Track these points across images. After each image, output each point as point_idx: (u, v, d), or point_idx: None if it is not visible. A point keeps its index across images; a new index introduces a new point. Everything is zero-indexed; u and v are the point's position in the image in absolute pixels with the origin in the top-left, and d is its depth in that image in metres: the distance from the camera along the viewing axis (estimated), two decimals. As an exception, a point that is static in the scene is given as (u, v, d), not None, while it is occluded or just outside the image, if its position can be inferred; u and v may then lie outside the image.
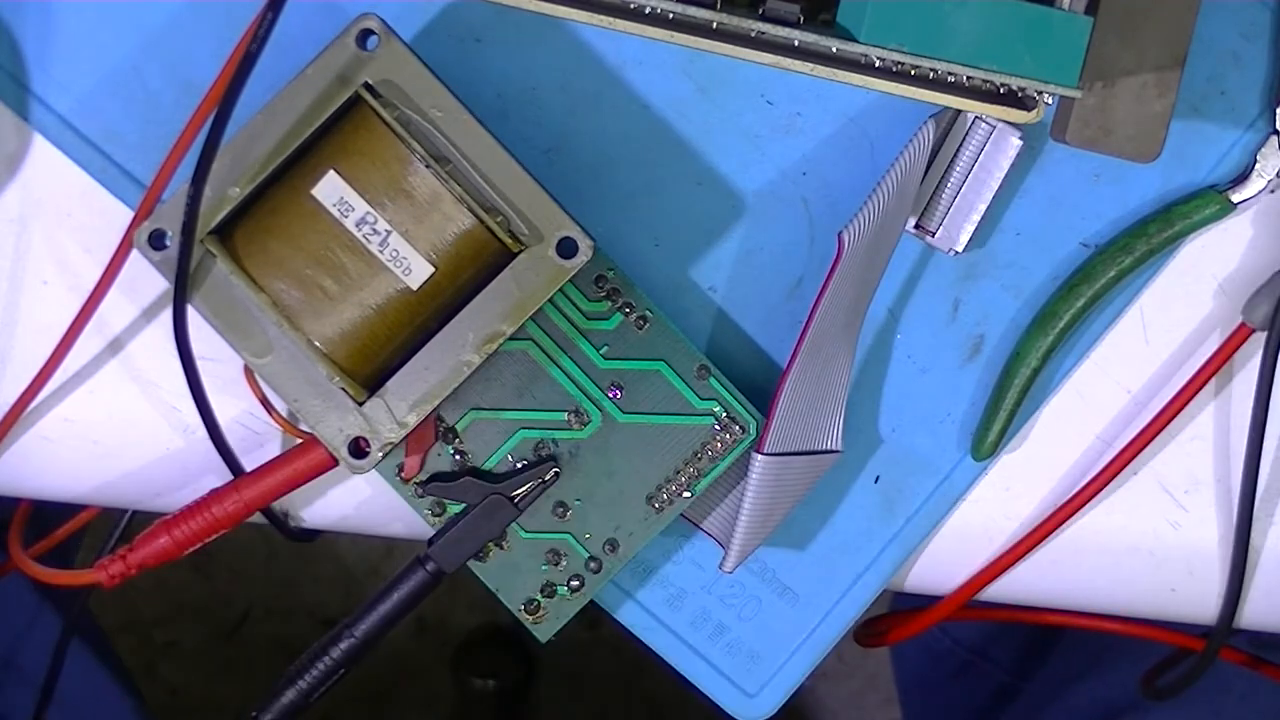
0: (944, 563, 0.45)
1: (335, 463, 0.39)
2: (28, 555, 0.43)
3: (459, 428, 0.41)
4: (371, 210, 0.37)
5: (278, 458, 0.40)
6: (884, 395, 0.43)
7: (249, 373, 0.39)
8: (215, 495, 0.40)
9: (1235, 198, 0.42)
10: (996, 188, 0.40)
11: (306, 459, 0.39)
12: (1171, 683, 0.47)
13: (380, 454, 0.38)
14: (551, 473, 0.40)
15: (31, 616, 0.56)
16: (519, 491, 0.40)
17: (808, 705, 0.47)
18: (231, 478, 0.41)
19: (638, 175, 0.42)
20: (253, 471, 0.40)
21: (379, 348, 0.37)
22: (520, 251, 0.37)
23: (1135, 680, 0.50)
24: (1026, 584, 0.45)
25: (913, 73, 0.35)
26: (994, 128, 0.40)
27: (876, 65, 0.35)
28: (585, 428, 0.41)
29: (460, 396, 0.40)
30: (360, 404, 0.38)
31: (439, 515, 0.41)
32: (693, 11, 0.34)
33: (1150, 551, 0.45)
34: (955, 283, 0.42)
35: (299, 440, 0.41)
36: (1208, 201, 0.42)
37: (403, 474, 0.41)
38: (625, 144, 0.41)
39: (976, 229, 0.41)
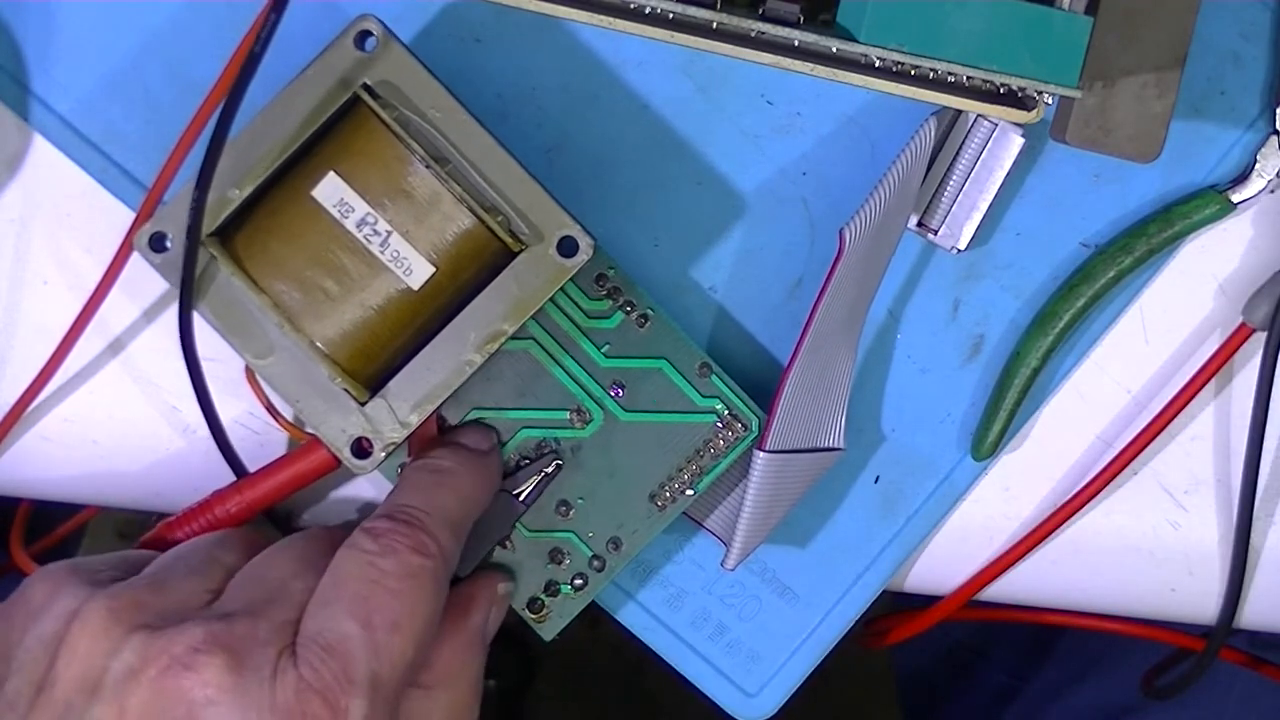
0: (944, 563, 0.45)
1: (338, 463, 0.39)
2: (28, 555, 0.43)
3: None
4: (372, 211, 0.37)
5: (280, 459, 0.40)
6: (884, 395, 0.43)
7: (250, 374, 0.39)
8: (217, 497, 0.40)
9: (1235, 198, 0.42)
10: (999, 185, 0.40)
11: (309, 460, 0.39)
12: (1171, 683, 0.47)
13: (383, 454, 0.38)
14: (553, 464, 0.40)
15: None
16: (522, 488, 0.40)
17: (808, 705, 0.47)
18: (233, 479, 0.41)
19: (638, 175, 0.42)
20: (255, 473, 0.40)
21: (380, 348, 0.38)
22: (521, 251, 0.37)
23: (1135, 680, 0.50)
24: (1026, 584, 0.45)
25: (913, 73, 0.35)
26: (996, 125, 0.40)
27: (876, 65, 0.35)
28: (587, 426, 0.41)
29: (462, 396, 0.40)
30: (362, 404, 0.38)
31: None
32: (693, 11, 0.34)
33: (1150, 551, 0.45)
34: (955, 283, 0.43)
35: (302, 441, 0.41)
36: (1208, 201, 0.42)
37: None
38: (625, 144, 0.41)
39: (979, 227, 0.41)
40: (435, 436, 0.40)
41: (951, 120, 0.40)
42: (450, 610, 0.38)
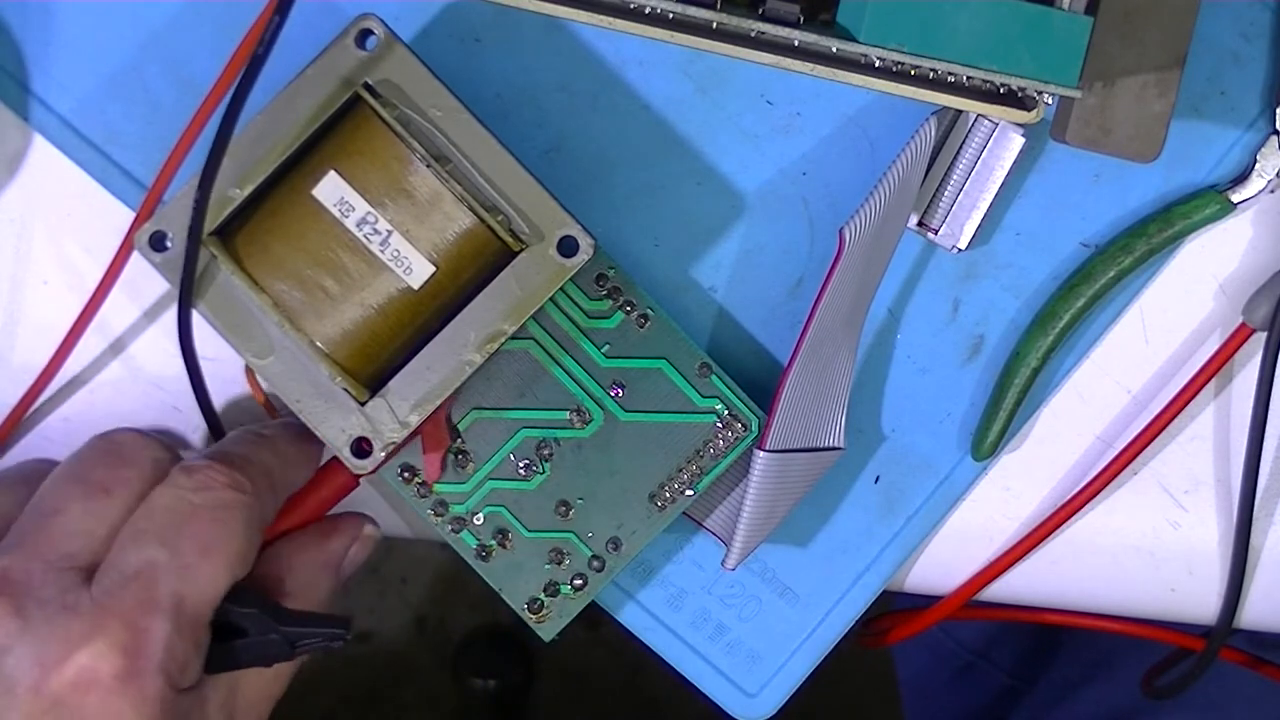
0: (944, 563, 0.45)
1: (357, 483, 0.39)
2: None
3: (461, 427, 0.41)
4: (372, 210, 0.37)
5: (298, 491, 0.40)
6: (884, 395, 0.43)
7: (250, 374, 0.39)
8: None
9: (1235, 198, 0.42)
10: (1000, 184, 0.41)
11: (329, 485, 0.39)
12: (1172, 682, 0.47)
13: (383, 454, 0.38)
14: (339, 640, 0.37)
15: None
16: (303, 641, 0.37)
17: (808, 705, 0.47)
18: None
19: (638, 175, 0.42)
20: (281, 513, 0.39)
21: (380, 348, 0.38)
22: (521, 250, 0.37)
23: (1136, 680, 0.50)
24: (1026, 584, 0.45)
25: (913, 73, 0.35)
26: (996, 125, 0.40)
27: (876, 65, 0.35)
28: (587, 426, 0.41)
29: (462, 396, 0.40)
30: (362, 404, 0.38)
31: (441, 515, 0.41)
32: (693, 11, 0.34)
33: (1150, 551, 0.45)
34: (955, 282, 0.43)
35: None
36: (1208, 201, 0.42)
37: (425, 478, 0.40)
38: (625, 144, 0.41)
39: (979, 227, 0.41)
40: (447, 435, 0.40)
41: (952, 120, 0.40)
42: (309, 533, 0.39)
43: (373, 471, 0.38)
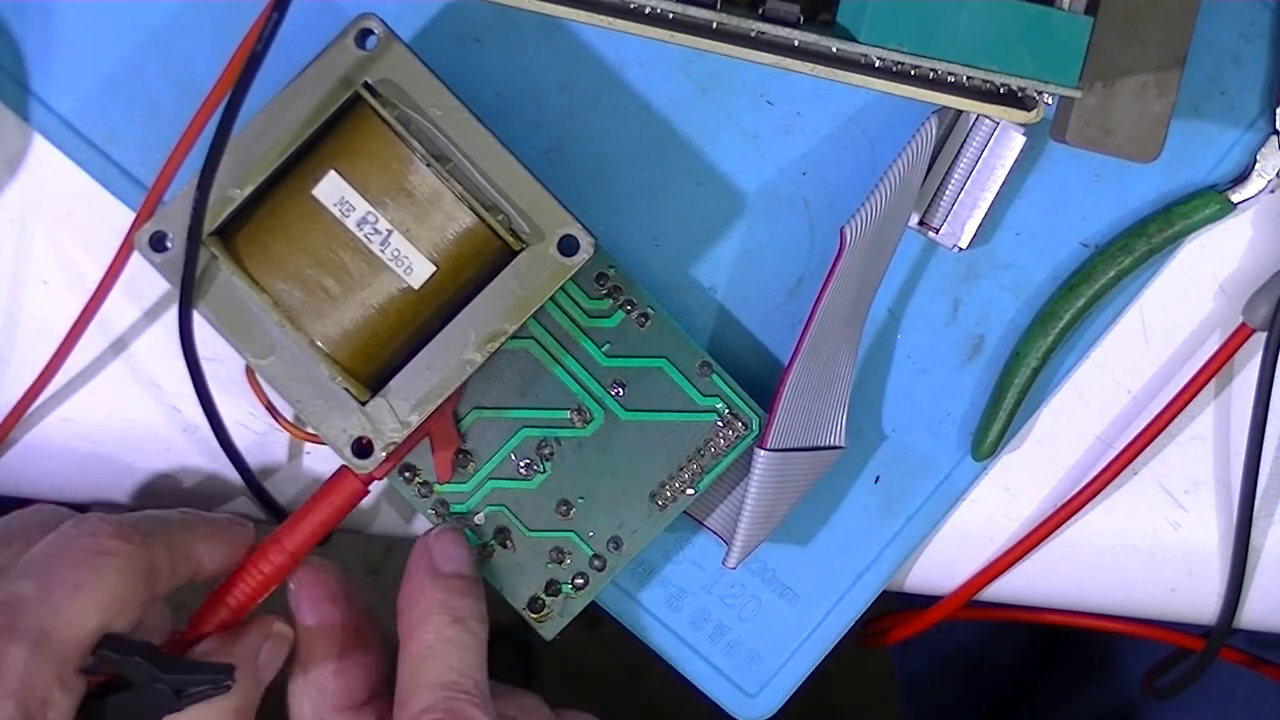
0: (944, 563, 0.45)
1: (367, 490, 0.39)
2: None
3: (462, 427, 0.41)
4: (373, 210, 0.37)
5: (311, 499, 0.39)
6: (884, 395, 0.43)
7: (250, 374, 0.39)
8: (260, 553, 0.39)
9: (1235, 198, 0.42)
10: (1000, 183, 0.41)
11: (340, 492, 0.39)
12: (1172, 682, 0.47)
13: (384, 453, 0.38)
14: (225, 684, 0.36)
15: None
16: (188, 690, 0.36)
17: (808, 705, 0.47)
18: (234, 476, 0.41)
19: (638, 175, 0.42)
20: (289, 520, 0.39)
21: (381, 347, 0.38)
22: (522, 250, 0.37)
23: (1136, 682, 0.50)
24: (1026, 584, 0.45)
25: (913, 73, 0.35)
26: (997, 124, 0.40)
27: (876, 65, 0.35)
28: (588, 426, 0.41)
29: (463, 395, 0.40)
30: (363, 404, 0.38)
31: (441, 515, 0.41)
32: (693, 11, 0.34)
33: (1150, 551, 0.45)
34: (955, 282, 0.43)
35: (303, 438, 0.41)
36: (1208, 201, 0.42)
37: (437, 478, 0.40)
38: (625, 144, 0.41)
39: (980, 226, 0.41)
40: (456, 434, 0.40)
41: (952, 120, 0.40)
42: (216, 639, 0.38)
43: (380, 476, 0.38)
